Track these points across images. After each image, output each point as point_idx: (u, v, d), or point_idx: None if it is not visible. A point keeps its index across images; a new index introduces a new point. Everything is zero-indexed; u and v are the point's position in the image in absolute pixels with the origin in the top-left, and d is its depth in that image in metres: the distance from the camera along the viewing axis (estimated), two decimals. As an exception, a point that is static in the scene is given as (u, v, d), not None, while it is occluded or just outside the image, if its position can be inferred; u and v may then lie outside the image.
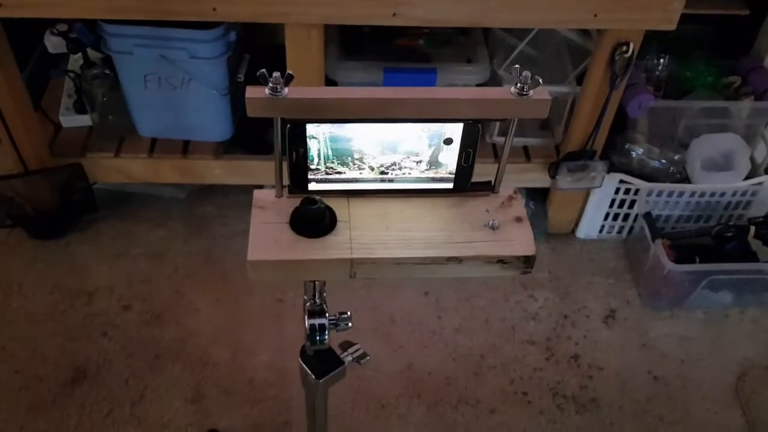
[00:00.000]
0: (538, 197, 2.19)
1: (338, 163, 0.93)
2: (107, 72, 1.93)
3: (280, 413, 1.76)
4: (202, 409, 1.74)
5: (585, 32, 1.99)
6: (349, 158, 0.92)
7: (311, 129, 0.89)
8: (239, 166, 2.01)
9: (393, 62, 1.91)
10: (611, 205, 2.14)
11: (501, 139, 2.12)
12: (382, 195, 0.96)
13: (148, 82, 1.91)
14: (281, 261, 0.88)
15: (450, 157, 0.94)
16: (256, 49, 2.04)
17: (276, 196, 0.95)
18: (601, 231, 2.21)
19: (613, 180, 2.08)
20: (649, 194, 2.07)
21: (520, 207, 0.97)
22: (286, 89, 0.86)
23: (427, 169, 0.95)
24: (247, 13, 1.66)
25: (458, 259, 0.91)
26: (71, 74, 2.00)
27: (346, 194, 0.96)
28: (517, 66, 0.88)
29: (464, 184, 0.97)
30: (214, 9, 1.63)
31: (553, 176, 2.07)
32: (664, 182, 2.06)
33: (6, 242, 2.05)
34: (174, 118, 1.98)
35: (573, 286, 2.11)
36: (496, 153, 2.10)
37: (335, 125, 0.89)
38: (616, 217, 2.18)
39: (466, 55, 2.00)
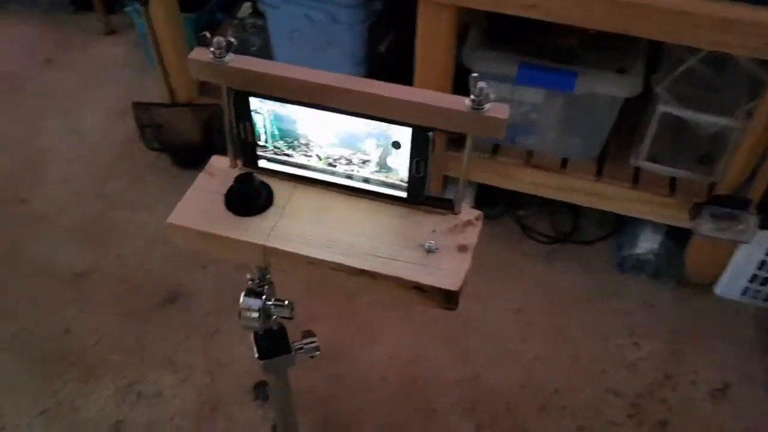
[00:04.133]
0: (679, 237, 1.94)
1: (285, 145, 0.89)
2: (261, 24, 2.01)
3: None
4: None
5: (766, 62, 1.71)
6: (296, 142, 0.88)
7: (255, 103, 0.86)
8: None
9: (530, 58, 1.77)
10: (760, 267, 1.84)
11: (649, 165, 1.90)
12: (331, 189, 0.90)
13: (292, 40, 1.95)
14: (198, 231, 0.86)
15: (400, 164, 0.86)
16: (405, 27, 2.00)
17: (230, 166, 0.93)
18: (744, 293, 1.91)
19: (765, 239, 1.78)
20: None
21: (473, 235, 0.86)
22: (230, 56, 0.83)
23: (376, 171, 0.87)
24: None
25: (372, 275, 0.83)
26: (235, 21, 2.10)
27: (294, 179, 0.91)
28: (475, 74, 0.77)
29: (418, 195, 0.88)
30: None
31: (693, 218, 1.81)
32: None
33: (153, 164, 2.23)
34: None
35: (689, 345, 1.85)
36: (637, 178, 1.89)
37: (279, 104, 0.85)
38: (765, 281, 1.86)
39: (619, 63, 1.80)
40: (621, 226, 2.03)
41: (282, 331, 1.04)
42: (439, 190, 2.03)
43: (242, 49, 1.95)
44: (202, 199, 0.88)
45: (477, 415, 1.73)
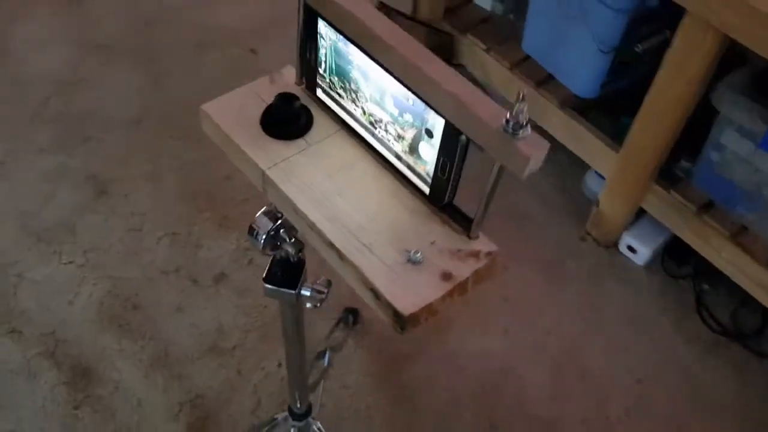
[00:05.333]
0: None
1: (339, 84, 0.81)
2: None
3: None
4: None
5: None
6: (348, 84, 0.79)
7: (322, 27, 0.78)
8: (576, 131, 1.82)
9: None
10: None
11: None
12: (367, 149, 0.81)
13: (549, 2, 1.80)
14: (219, 127, 0.83)
15: (429, 155, 0.74)
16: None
17: (294, 82, 0.88)
18: None
19: None
20: None
21: (468, 268, 0.73)
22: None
23: (407, 152, 0.77)
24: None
25: (339, 254, 0.74)
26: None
27: (340, 123, 0.83)
28: (522, 90, 0.63)
29: (439, 199, 0.76)
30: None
31: None
32: None
33: None
34: (554, 48, 1.85)
35: None
36: None
37: (341, 38, 0.76)
38: None
39: None
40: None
41: (297, 268, 0.98)
42: (621, 222, 1.81)
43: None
44: (246, 100, 0.84)
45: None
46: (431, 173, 0.74)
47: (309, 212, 0.75)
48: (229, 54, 2.23)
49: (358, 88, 0.77)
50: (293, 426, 1.29)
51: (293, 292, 0.97)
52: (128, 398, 1.57)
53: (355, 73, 0.77)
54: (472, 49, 1.95)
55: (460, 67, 2.03)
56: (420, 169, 0.76)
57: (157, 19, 2.29)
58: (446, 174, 0.72)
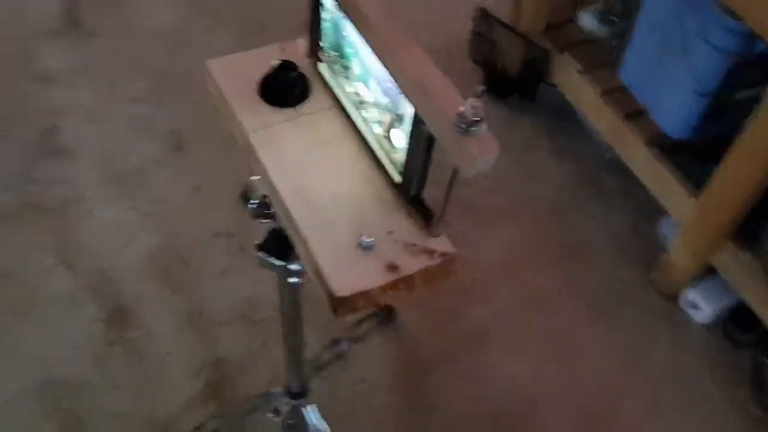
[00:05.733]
0: None
1: (335, 60, 0.80)
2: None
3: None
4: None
5: None
6: (342, 60, 0.78)
7: (328, 1, 0.78)
8: (658, 171, 1.71)
9: None
10: None
11: None
12: (352, 130, 0.80)
13: (652, 29, 1.72)
14: (218, 85, 0.84)
15: (400, 143, 0.72)
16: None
17: (304, 54, 0.87)
18: None
19: None
20: None
21: (417, 264, 0.70)
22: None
23: (385, 137, 0.75)
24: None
25: (295, 225, 0.73)
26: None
27: (334, 99, 0.82)
28: (482, 87, 0.60)
29: (407, 190, 0.74)
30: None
31: None
32: None
33: (464, 74, 2.14)
34: (651, 82, 1.76)
35: None
36: None
37: (340, 11, 0.76)
38: None
39: None
40: None
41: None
42: (688, 275, 1.69)
43: (608, 18, 1.79)
44: (252, 63, 0.84)
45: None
46: (402, 162, 0.72)
47: (277, 180, 0.75)
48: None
49: (349, 65, 0.76)
50: (284, 403, 1.29)
51: (282, 263, 0.97)
52: (158, 347, 1.62)
53: (347, 50, 0.76)
54: (566, 69, 1.89)
55: (551, 86, 1.97)
56: (393, 156, 0.73)
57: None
58: (413, 165, 0.70)
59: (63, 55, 2.12)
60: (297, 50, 0.86)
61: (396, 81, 0.67)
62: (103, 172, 1.88)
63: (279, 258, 0.98)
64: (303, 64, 0.84)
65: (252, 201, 0.91)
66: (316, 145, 0.78)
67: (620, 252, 1.83)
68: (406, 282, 0.69)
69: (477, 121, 0.59)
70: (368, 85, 0.74)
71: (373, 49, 0.69)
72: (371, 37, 0.69)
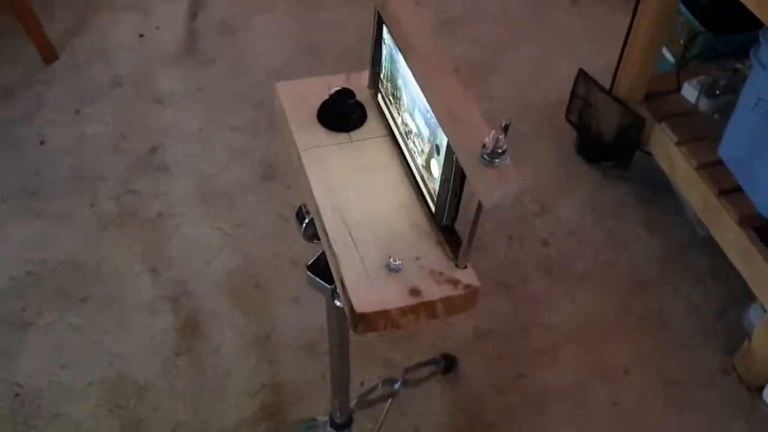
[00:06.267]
0: None
1: (391, 91, 0.82)
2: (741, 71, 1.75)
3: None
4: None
5: None
6: (395, 92, 0.81)
7: (385, 33, 0.81)
8: (749, 253, 1.64)
9: None
10: None
11: None
12: (400, 158, 0.82)
13: (756, 107, 1.66)
14: (282, 105, 0.88)
15: (437, 173, 0.73)
16: None
17: (367, 86, 0.91)
18: None
19: None
20: None
21: (440, 292, 0.71)
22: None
23: (425, 166, 0.76)
24: None
25: (328, 240, 0.75)
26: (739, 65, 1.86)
27: (388, 129, 0.85)
28: (507, 119, 0.61)
29: (440, 218, 0.75)
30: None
31: None
32: None
33: (557, 131, 2.12)
34: (751, 160, 1.69)
35: None
36: None
37: (395, 48, 0.79)
38: None
39: None
40: None
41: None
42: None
43: (713, 91, 1.75)
44: (316, 88, 0.88)
45: None
46: (437, 191, 0.73)
47: (318, 196, 0.77)
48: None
49: (401, 96, 0.79)
50: (328, 432, 1.29)
51: (329, 287, 0.99)
52: (221, 363, 1.66)
53: (399, 81, 0.78)
54: (662, 139, 1.85)
55: (647, 154, 1.93)
56: (431, 185, 0.75)
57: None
58: (446, 193, 0.71)
59: (177, 80, 2.27)
60: (361, 80, 0.89)
61: (432, 110, 0.68)
62: (196, 191, 1.98)
63: (327, 281, 0.99)
64: (363, 93, 0.87)
65: (305, 220, 0.93)
66: (362, 169, 0.80)
67: (703, 333, 1.74)
68: (428, 308, 0.70)
69: (500, 152, 0.59)
70: (414, 116, 0.76)
71: (416, 79, 0.71)
72: (415, 68, 0.71)
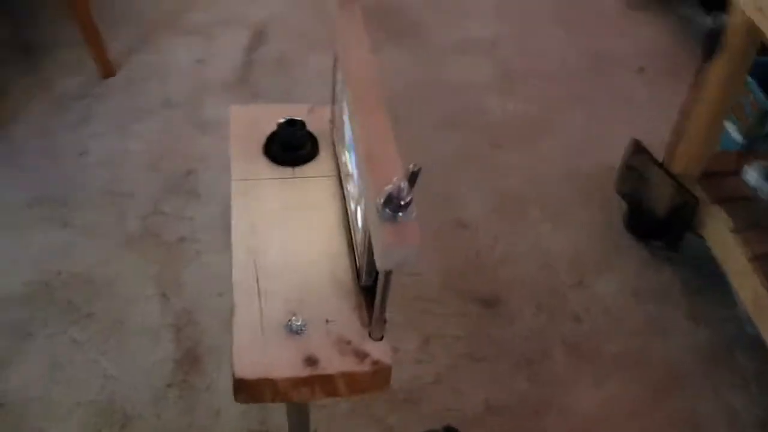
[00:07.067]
0: None
1: (342, 130, 0.74)
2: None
3: None
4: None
5: None
6: (344, 133, 0.73)
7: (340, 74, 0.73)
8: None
9: None
10: None
11: None
12: (341, 200, 0.73)
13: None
14: (230, 128, 0.81)
15: (360, 222, 0.64)
16: None
17: (329, 120, 0.82)
18: None
19: None
20: None
21: (341, 366, 0.61)
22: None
23: (354, 213, 0.67)
24: None
25: (232, 283, 0.67)
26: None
27: (337, 168, 0.76)
28: (414, 165, 0.51)
29: (360, 276, 0.65)
30: None
31: None
32: None
33: (607, 202, 1.98)
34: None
35: None
36: None
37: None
38: None
39: None
40: None
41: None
42: None
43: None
44: (272, 116, 0.81)
45: None
46: (358, 244, 0.64)
47: (235, 234, 0.69)
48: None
49: (344, 135, 0.70)
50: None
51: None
52: (213, 402, 1.59)
53: (345, 119, 0.70)
54: (717, 223, 1.69)
55: (699, 237, 1.77)
56: (357, 237, 0.65)
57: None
58: (366, 249, 0.61)
59: (224, 107, 2.25)
60: (323, 115, 0.81)
61: (355, 150, 0.59)
62: (220, 221, 1.93)
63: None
64: (323, 128, 0.78)
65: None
66: (297, 208, 0.71)
67: (739, 435, 1.56)
68: (325, 382, 0.59)
69: (402, 205, 0.49)
70: (351, 156, 0.67)
71: (348, 113, 0.62)
72: (350, 99, 0.62)
